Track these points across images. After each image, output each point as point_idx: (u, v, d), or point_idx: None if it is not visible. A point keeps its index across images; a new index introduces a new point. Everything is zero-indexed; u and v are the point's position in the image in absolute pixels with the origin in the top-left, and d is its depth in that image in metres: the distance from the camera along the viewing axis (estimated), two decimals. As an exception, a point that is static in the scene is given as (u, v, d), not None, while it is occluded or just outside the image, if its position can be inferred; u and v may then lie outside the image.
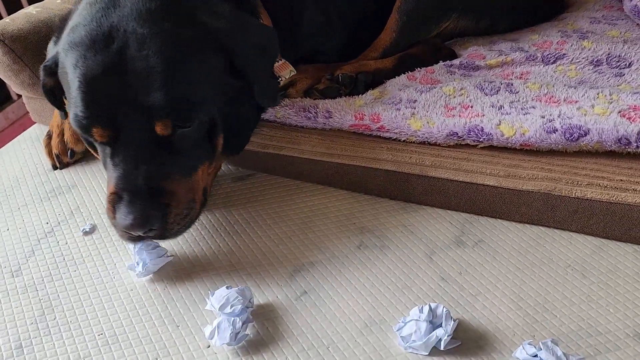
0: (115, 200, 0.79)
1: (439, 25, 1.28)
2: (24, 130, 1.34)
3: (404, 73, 1.17)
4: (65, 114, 0.99)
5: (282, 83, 1.08)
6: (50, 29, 1.24)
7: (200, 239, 0.94)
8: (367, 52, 1.26)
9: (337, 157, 1.02)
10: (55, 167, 1.15)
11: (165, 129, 0.78)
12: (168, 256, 0.88)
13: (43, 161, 1.18)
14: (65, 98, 0.90)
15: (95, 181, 1.11)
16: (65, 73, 0.82)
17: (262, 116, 1.07)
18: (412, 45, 1.26)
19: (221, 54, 0.85)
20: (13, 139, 1.29)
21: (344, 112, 1.03)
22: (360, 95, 1.10)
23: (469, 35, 1.34)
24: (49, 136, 1.15)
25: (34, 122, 1.35)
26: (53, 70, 0.87)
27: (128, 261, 0.90)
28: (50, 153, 1.15)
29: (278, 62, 1.04)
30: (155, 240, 0.86)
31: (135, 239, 0.83)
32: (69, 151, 1.13)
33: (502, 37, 1.30)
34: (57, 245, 0.95)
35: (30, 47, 1.19)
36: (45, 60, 0.89)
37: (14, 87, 1.26)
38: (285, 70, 1.05)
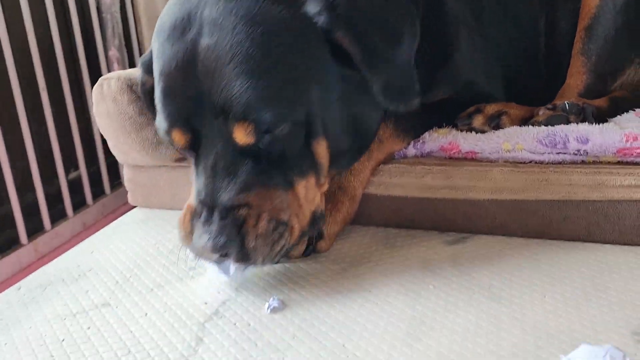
0: (192, 215, 0.65)
1: (623, 72, 1.08)
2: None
3: (620, 115, 0.94)
4: None
5: None
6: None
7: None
8: (559, 99, 1.03)
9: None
10: None
11: (246, 135, 0.62)
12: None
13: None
14: None
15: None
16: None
17: (489, 155, 0.80)
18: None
19: (324, 36, 0.66)
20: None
21: (606, 134, 0.76)
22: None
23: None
24: None
25: (110, 221, 1.00)
26: (150, 66, 0.72)
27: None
28: None
29: None
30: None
31: (213, 259, 0.65)
32: None
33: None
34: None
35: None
36: (144, 55, 0.77)
37: (126, 152, 0.98)
38: None
